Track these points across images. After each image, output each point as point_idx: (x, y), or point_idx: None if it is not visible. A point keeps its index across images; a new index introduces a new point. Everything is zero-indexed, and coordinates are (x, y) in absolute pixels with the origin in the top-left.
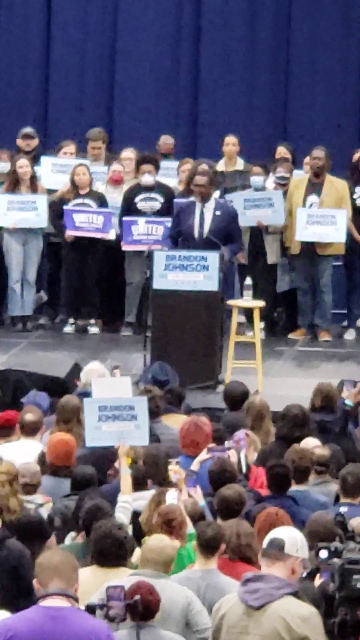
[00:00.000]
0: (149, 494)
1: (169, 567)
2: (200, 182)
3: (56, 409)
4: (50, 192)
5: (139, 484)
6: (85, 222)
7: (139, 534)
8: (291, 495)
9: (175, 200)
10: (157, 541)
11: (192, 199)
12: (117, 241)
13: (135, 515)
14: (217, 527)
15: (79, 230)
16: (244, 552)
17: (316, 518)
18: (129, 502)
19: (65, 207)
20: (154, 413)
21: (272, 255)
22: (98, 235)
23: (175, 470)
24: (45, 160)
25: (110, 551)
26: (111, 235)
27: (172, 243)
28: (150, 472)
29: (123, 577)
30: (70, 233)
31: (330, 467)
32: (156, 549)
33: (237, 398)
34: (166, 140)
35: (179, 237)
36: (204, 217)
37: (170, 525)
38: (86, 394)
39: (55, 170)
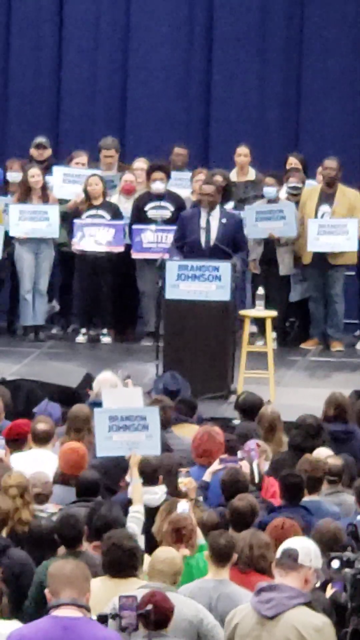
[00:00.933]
0: (158, 488)
1: (177, 578)
2: (208, 190)
3: (67, 418)
4: (61, 202)
5: (149, 479)
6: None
7: (152, 540)
8: (304, 505)
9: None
10: (166, 553)
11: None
12: (129, 250)
13: (146, 510)
14: (229, 537)
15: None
16: (256, 563)
17: (322, 525)
18: (141, 512)
19: (75, 220)
20: (164, 423)
21: (285, 267)
22: (107, 249)
23: (185, 483)
24: (57, 170)
25: (121, 561)
26: (120, 248)
27: (178, 251)
28: (163, 475)
29: (134, 588)
30: (76, 248)
31: (342, 477)
32: (165, 561)
33: (252, 408)
34: (179, 152)
35: (184, 247)
36: (210, 225)
37: (179, 534)
38: (98, 403)
39: (67, 181)
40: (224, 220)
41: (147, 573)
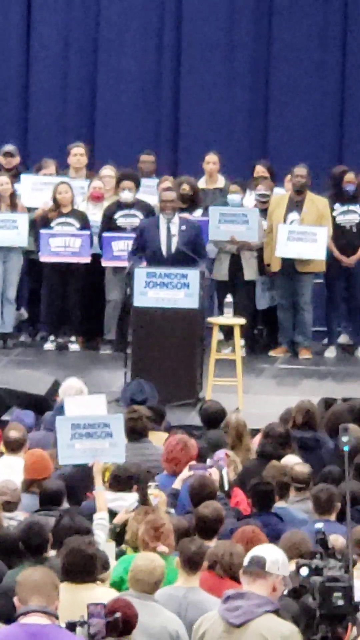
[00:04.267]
0: (129, 496)
1: (157, 587)
2: (171, 197)
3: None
4: (30, 210)
5: (122, 485)
6: (61, 247)
7: (121, 542)
8: (275, 513)
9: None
10: (148, 562)
11: (159, 216)
12: (97, 259)
13: (113, 515)
14: (199, 543)
15: (54, 256)
16: (235, 571)
17: (289, 535)
18: (106, 518)
19: (41, 230)
20: (142, 433)
21: (250, 272)
22: (73, 260)
23: (155, 494)
24: (25, 178)
25: (79, 567)
26: (86, 259)
27: (140, 260)
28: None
29: (93, 593)
30: (44, 259)
31: (310, 484)
32: (146, 570)
33: (213, 417)
34: (146, 159)
35: (143, 256)
36: (171, 233)
37: (158, 532)
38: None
39: (35, 189)
40: (183, 228)
41: (128, 581)
